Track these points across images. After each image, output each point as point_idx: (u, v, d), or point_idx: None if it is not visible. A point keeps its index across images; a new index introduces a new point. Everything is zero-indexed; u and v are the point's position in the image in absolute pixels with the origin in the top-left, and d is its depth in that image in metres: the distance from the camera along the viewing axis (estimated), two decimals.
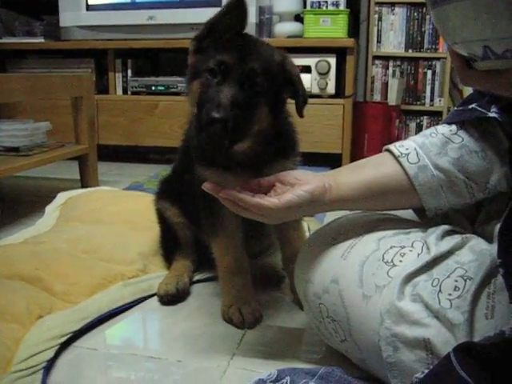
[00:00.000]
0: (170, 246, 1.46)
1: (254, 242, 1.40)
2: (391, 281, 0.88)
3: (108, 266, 1.41)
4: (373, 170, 1.01)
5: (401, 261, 0.91)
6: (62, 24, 3.27)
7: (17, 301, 1.16)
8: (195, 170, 1.17)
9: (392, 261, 0.92)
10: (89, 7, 3.22)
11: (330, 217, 2.07)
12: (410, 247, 0.94)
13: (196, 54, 1.09)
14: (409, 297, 0.85)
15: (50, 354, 1.02)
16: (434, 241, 0.93)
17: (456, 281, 0.83)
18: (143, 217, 1.67)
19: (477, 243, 0.91)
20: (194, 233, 1.42)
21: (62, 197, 2.02)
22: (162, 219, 1.46)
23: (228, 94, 0.96)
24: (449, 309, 0.80)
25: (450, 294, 0.82)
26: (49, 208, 1.95)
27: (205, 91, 1.01)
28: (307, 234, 1.66)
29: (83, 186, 2.42)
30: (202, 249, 1.37)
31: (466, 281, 0.83)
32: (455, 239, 0.93)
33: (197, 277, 1.44)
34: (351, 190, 1.00)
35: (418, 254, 0.92)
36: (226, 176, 1.12)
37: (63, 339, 1.08)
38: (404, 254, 0.93)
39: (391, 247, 0.94)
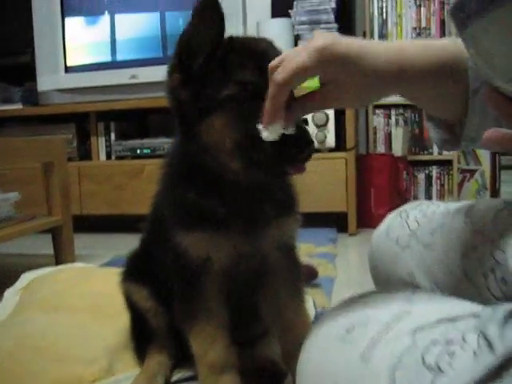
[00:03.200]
0: (141, 338, 1.16)
1: (245, 327, 1.10)
2: None
3: (62, 367, 1.11)
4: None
5: (450, 364, 0.62)
6: (40, 88, 3.11)
7: None
8: (171, 238, 0.91)
9: (437, 365, 0.62)
10: (67, 69, 3.06)
11: (340, 288, 1.80)
12: (460, 343, 0.64)
13: (186, 87, 0.85)
14: None
15: None
16: (497, 331, 0.63)
17: None
18: (113, 300, 1.37)
19: None
20: (169, 320, 1.13)
21: (25, 278, 1.74)
22: (130, 304, 1.17)
23: None
24: None
25: None
26: (8, 292, 1.66)
27: (242, 121, 0.80)
28: (313, 313, 1.38)
29: (57, 263, 2.17)
30: (182, 339, 1.07)
31: None
32: None
33: (176, 376, 1.13)
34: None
35: (475, 353, 0.62)
36: (215, 240, 0.88)
37: None
38: (453, 353, 0.63)
39: (433, 343, 0.65)
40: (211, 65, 0.82)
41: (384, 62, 0.73)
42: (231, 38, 0.85)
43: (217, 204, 0.89)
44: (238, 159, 0.83)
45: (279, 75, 0.72)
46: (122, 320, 1.24)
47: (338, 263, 2.11)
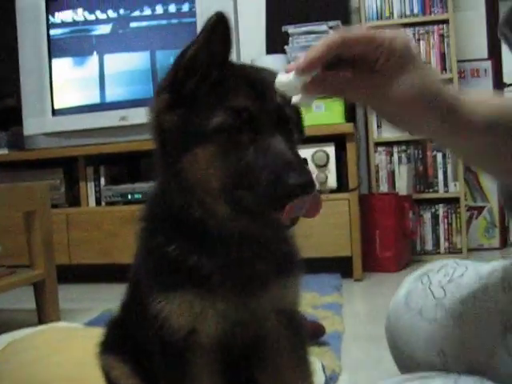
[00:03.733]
0: None
1: None
2: None
3: None
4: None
5: None
6: (26, 132, 2.98)
7: None
8: (149, 306, 0.76)
9: None
10: (55, 112, 2.93)
11: (348, 344, 1.63)
12: None
13: (173, 110, 0.72)
14: None
15: None
16: None
17: None
18: (93, 371, 1.21)
19: None
20: None
21: (1, 340, 1.58)
22: (110, 381, 1.00)
23: (287, 149, 0.68)
24: None
25: None
26: None
27: (233, 156, 0.68)
28: (322, 380, 1.21)
29: (40, 319, 2.03)
30: None
31: None
32: None
33: None
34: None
35: None
36: (201, 306, 0.74)
37: None
38: None
39: None
40: (205, 87, 0.70)
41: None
42: (231, 63, 0.74)
43: (202, 260, 0.74)
44: (226, 203, 0.69)
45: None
46: None
47: (344, 314, 1.95)
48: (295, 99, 0.66)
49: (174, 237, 0.75)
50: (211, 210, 0.72)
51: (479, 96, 0.67)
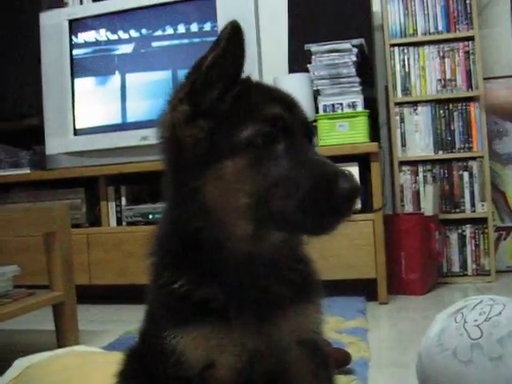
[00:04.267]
0: None
1: None
2: None
3: None
4: None
5: None
6: (48, 152, 2.98)
7: None
8: (163, 342, 0.72)
9: None
10: (76, 132, 2.93)
11: (375, 371, 1.57)
12: None
13: (193, 124, 0.69)
14: None
15: None
16: None
17: None
18: None
19: None
20: None
21: (17, 366, 1.54)
22: None
23: (322, 158, 0.66)
24: None
25: None
26: None
27: (267, 166, 0.65)
28: None
29: (58, 341, 2.00)
30: None
31: None
32: None
33: None
34: None
35: None
36: (217, 337, 0.69)
37: None
38: None
39: None
40: (229, 99, 0.67)
41: None
42: (249, 77, 0.72)
43: (214, 291, 0.70)
44: (252, 219, 0.66)
45: None
46: None
47: (370, 339, 1.88)
48: None
49: (183, 270, 0.71)
50: (230, 230, 0.68)
51: None
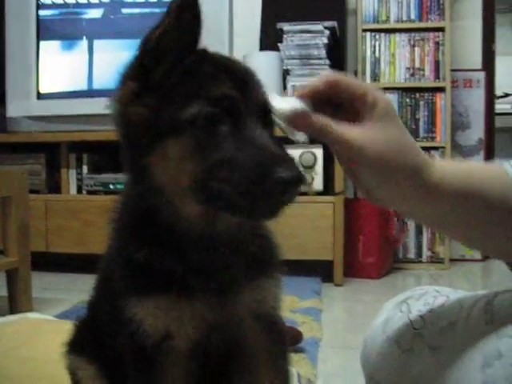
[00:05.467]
0: None
1: None
2: None
3: None
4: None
5: None
6: (8, 114, 2.90)
7: None
8: (122, 309, 0.71)
9: None
10: (40, 96, 2.86)
11: (325, 351, 1.60)
12: None
13: (140, 100, 0.66)
14: None
15: None
16: None
17: None
18: (59, 370, 1.16)
19: None
20: None
21: None
22: (75, 382, 0.95)
23: (273, 143, 0.63)
24: None
25: None
26: None
27: (209, 148, 0.62)
28: None
29: (11, 308, 1.96)
30: None
31: None
32: None
33: None
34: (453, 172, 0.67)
35: None
36: (177, 308, 0.69)
37: None
38: None
39: None
40: (177, 74, 0.65)
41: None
42: (204, 50, 0.68)
43: (174, 263, 0.69)
44: (197, 200, 0.64)
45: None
46: None
47: (323, 319, 1.91)
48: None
49: (143, 240, 0.71)
50: (179, 211, 0.67)
51: (451, 164, 0.69)
